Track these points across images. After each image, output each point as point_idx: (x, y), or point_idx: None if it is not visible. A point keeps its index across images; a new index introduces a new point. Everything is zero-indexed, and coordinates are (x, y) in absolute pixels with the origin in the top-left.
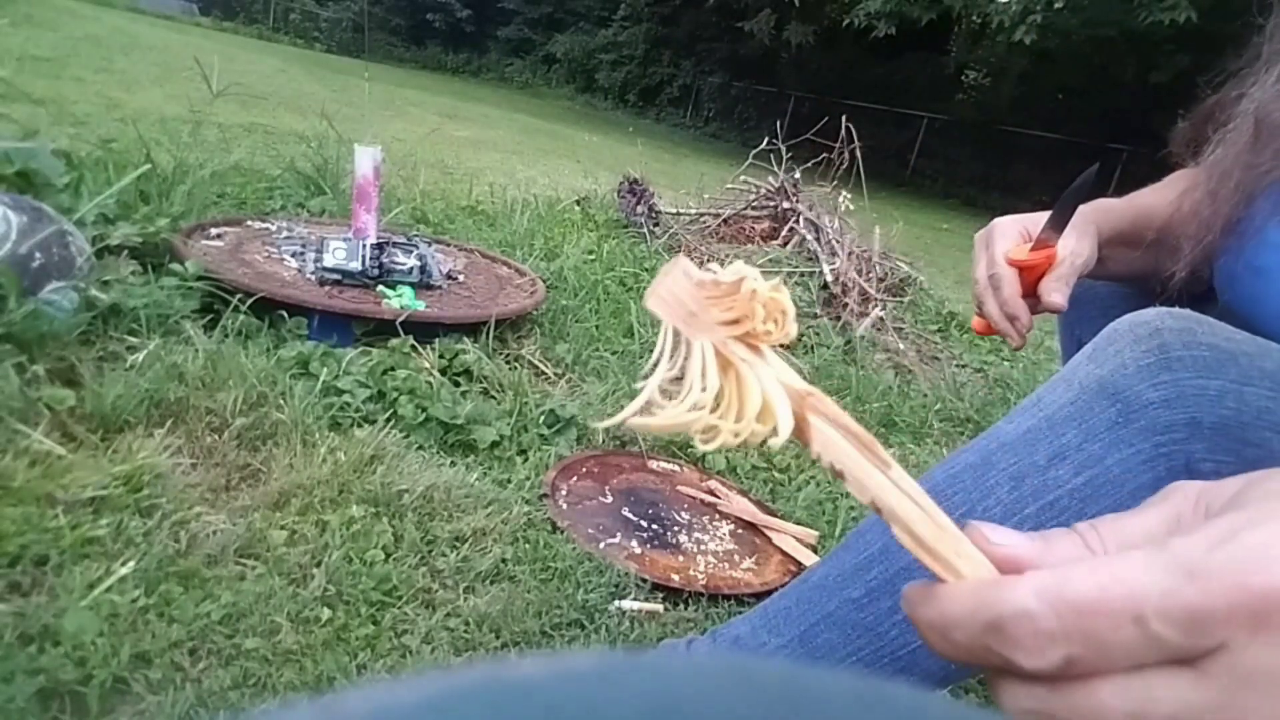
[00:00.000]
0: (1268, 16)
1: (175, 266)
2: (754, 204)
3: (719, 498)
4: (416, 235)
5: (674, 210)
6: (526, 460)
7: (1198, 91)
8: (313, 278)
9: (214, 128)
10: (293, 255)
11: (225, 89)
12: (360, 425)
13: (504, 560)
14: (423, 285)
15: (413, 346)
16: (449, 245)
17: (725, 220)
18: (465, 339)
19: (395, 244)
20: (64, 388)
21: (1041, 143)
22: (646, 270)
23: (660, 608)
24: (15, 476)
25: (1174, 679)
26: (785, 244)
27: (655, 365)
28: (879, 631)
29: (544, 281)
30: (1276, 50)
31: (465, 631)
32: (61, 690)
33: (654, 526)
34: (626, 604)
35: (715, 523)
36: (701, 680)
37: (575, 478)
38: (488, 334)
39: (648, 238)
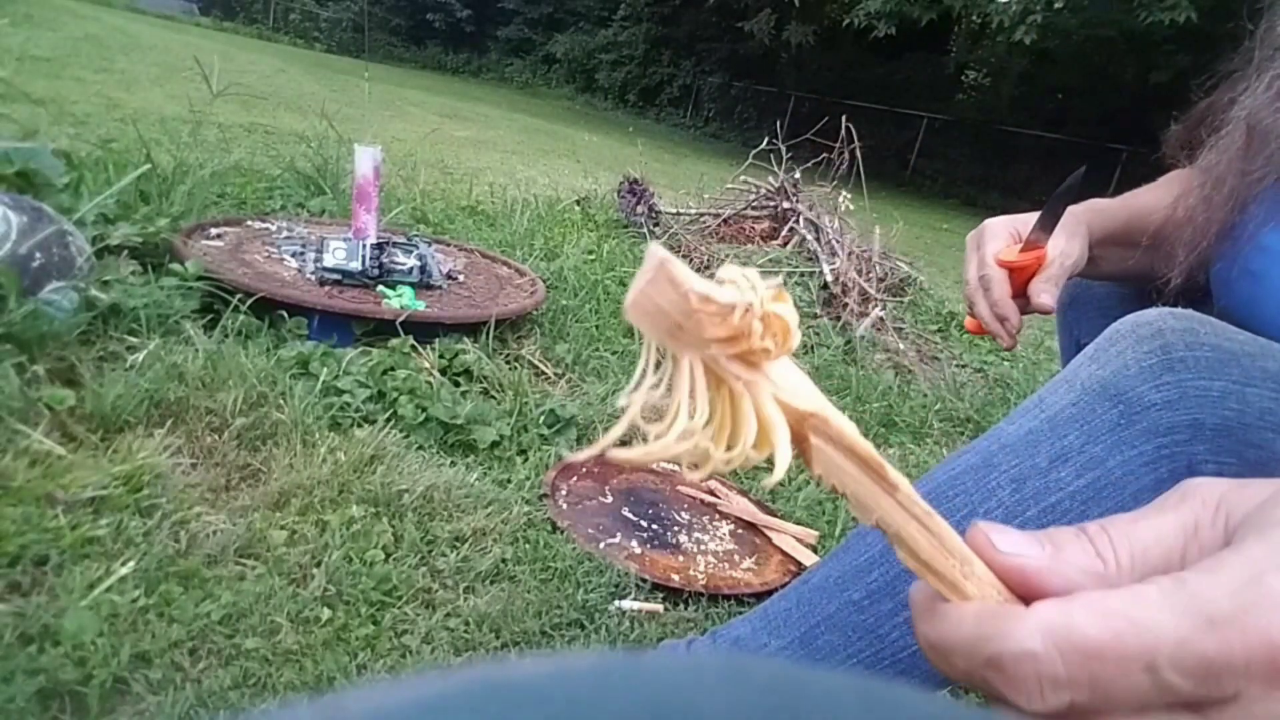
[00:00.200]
0: (1258, 21)
1: (175, 266)
2: (754, 204)
3: (719, 498)
4: (416, 235)
5: (674, 210)
6: (526, 460)
7: (1190, 94)
8: (313, 278)
9: (214, 128)
10: (293, 255)
11: (225, 89)
12: (360, 425)
13: (504, 560)
14: (423, 285)
15: (413, 346)
16: (449, 245)
17: (725, 220)
18: (465, 339)
19: (395, 244)
20: (64, 388)
21: (1041, 143)
22: None
23: (660, 608)
24: (15, 476)
25: None
26: (785, 244)
27: (638, 384)
28: (880, 634)
29: (544, 281)
30: (1267, 56)
31: (465, 631)
32: (61, 690)
33: (654, 526)
34: (626, 604)
35: (715, 523)
36: (702, 680)
37: (575, 478)
38: (488, 334)
39: (648, 238)
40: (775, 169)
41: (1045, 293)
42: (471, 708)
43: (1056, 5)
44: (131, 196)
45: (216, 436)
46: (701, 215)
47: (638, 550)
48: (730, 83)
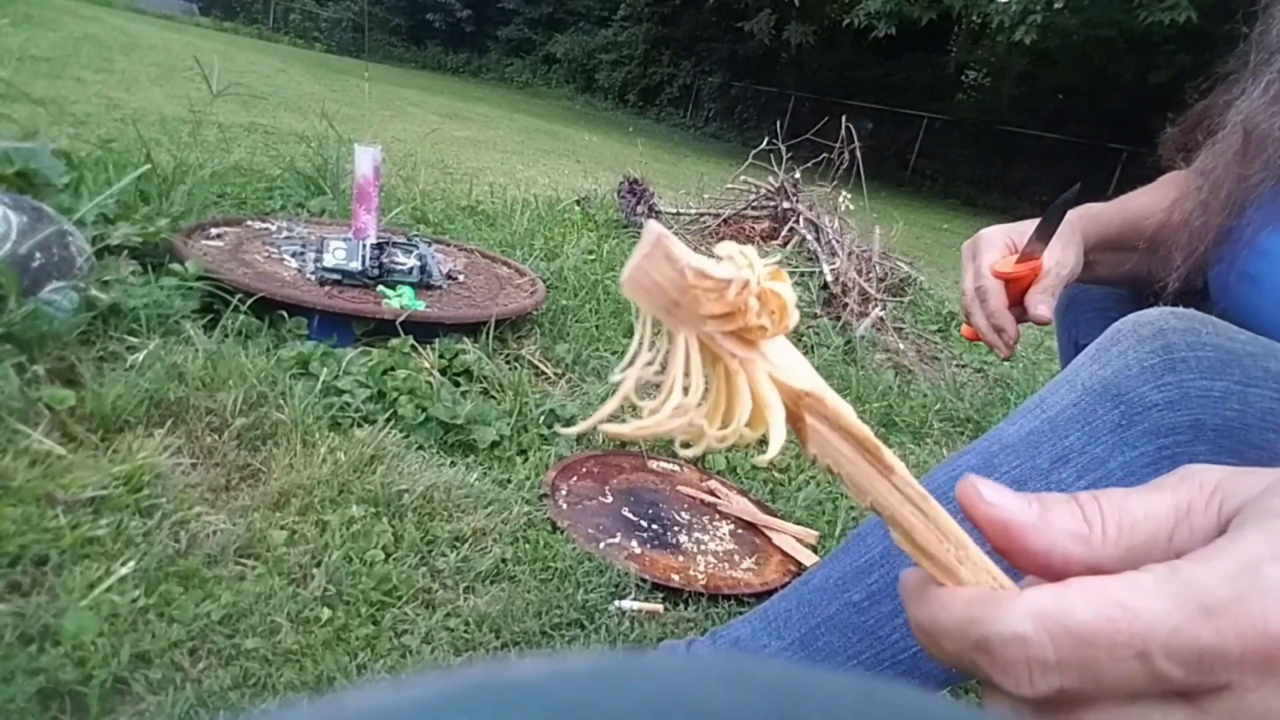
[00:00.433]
0: (1253, 24)
1: (175, 266)
2: (754, 204)
3: (719, 498)
4: (416, 235)
5: (674, 210)
6: (526, 460)
7: (1186, 96)
8: (313, 278)
9: (214, 128)
10: (293, 255)
11: (225, 89)
12: (360, 425)
13: (504, 560)
14: (423, 285)
15: (413, 346)
16: (449, 245)
17: (725, 220)
18: (465, 339)
19: (395, 244)
20: (64, 388)
21: (1041, 143)
22: None
23: (660, 608)
24: (15, 476)
25: (1168, 714)
26: (785, 244)
27: (633, 359)
28: (880, 635)
29: (544, 281)
30: (1263, 59)
31: (465, 631)
32: (61, 690)
33: (654, 526)
34: (626, 604)
35: (715, 523)
36: (702, 681)
37: (575, 478)
38: (488, 334)
39: None
40: (775, 169)
41: (1042, 304)
42: (471, 708)
43: (1056, 5)
44: (131, 196)
45: (216, 436)
46: (701, 215)
47: (638, 550)
48: (730, 83)
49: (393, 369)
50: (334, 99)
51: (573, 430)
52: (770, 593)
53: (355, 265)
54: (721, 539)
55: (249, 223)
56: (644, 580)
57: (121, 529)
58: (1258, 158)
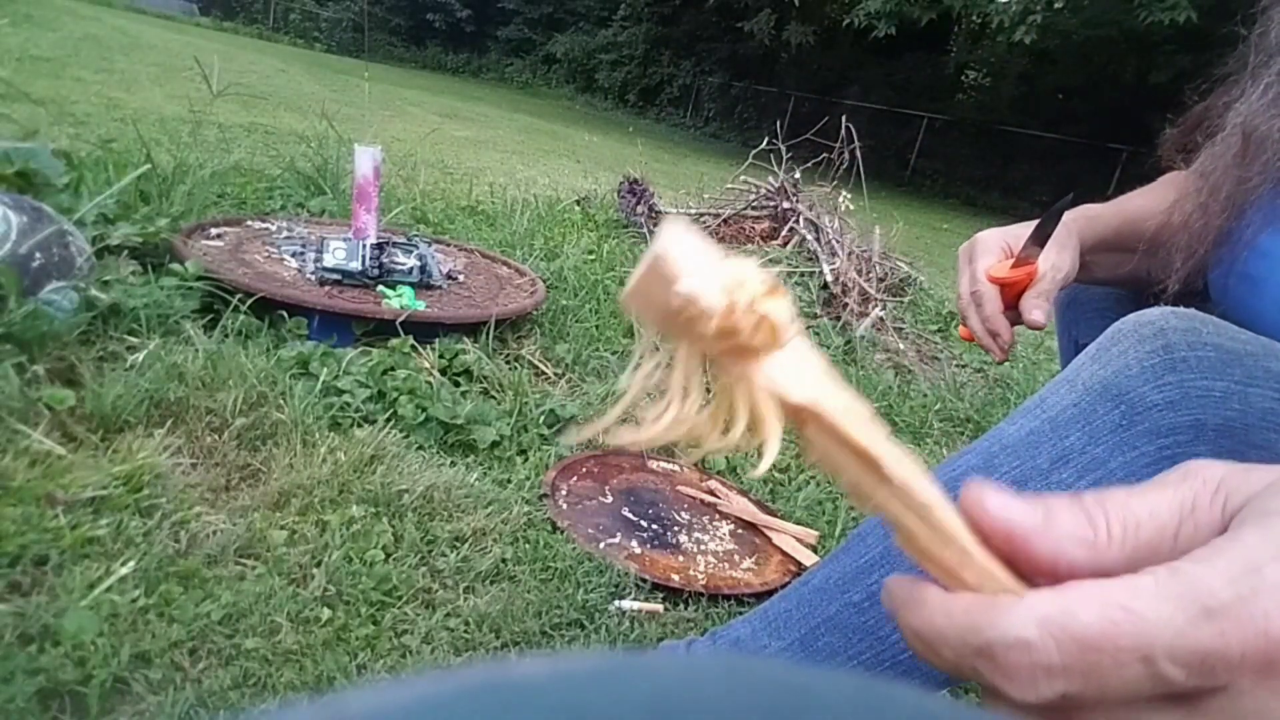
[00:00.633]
0: (1252, 26)
1: (175, 266)
2: (754, 204)
3: (719, 498)
4: (416, 235)
5: (674, 210)
6: (526, 460)
7: (1184, 98)
8: (313, 278)
9: (214, 128)
10: (293, 255)
11: (225, 89)
12: (360, 425)
13: (504, 560)
14: (423, 285)
15: (413, 346)
16: (449, 245)
17: (725, 220)
18: (465, 339)
19: (395, 244)
20: (64, 388)
21: (1041, 143)
22: None
23: (660, 608)
24: (15, 476)
25: (1168, 714)
26: (785, 244)
27: (636, 367)
28: (880, 635)
29: (544, 281)
30: (1262, 61)
31: (465, 631)
32: (61, 690)
33: (654, 526)
34: (626, 604)
35: (715, 523)
36: (702, 681)
37: (575, 478)
38: (488, 334)
39: (648, 238)
40: (775, 169)
41: (1037, 309)
42: (471, 708)
43: (1056, 5)
44: (131, 196)
45: (216, 436)
46: (701, 215)
47: (638, 550)
48: (730, 83)
49: (393, 369)
50: (334, 99)
51: (575, 438)
52: (770, 593)
53: (355, 265)
54: (721, 539)
55: (249, 223)
56: (644, 580)
57: (121, 529)
58: (1257, 160)
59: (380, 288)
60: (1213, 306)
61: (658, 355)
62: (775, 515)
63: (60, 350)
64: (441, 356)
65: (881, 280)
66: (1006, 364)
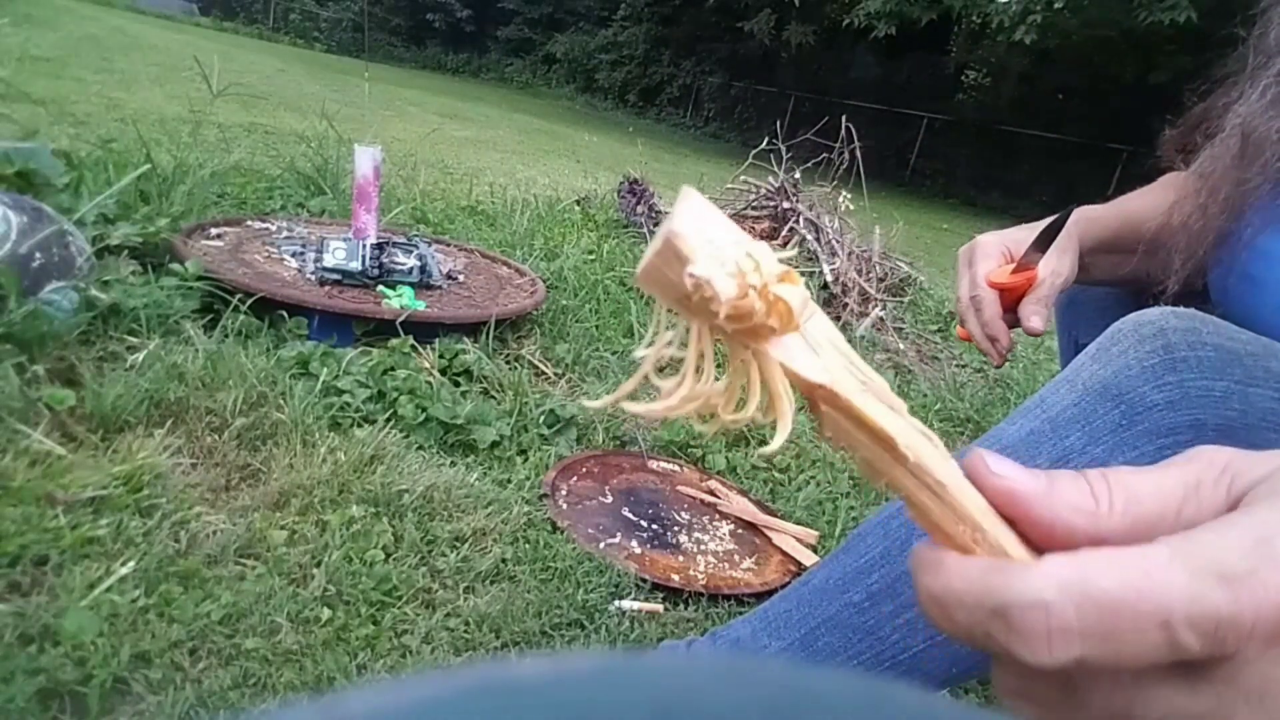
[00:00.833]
0: (1251, 27)
1: (175, 266)
2: (754, 204)
3: (719, 498)
4: (416, 235)
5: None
6: (526, 460)
7: (1184, 98)
8: (313, 278)
9: (214, 128)
10: (293, 255)
11: (225, 89)
12: (360, 425)
13: (504, 560)
14: (423, 285)
15: (413, 346)
16: (449, 245)
17: None
18: (465, 339)
19: (395, 244)
20: (64, 388)
21: (1041, 143)
22: None
23: (660, 608)
24: (15, 476)
25: (1173, 682)
26: (785, 244)
27: (651, 340)
28: (880, 635)
29: (544, 281)
30: (1260, 63)
31: (465, 631)
32: (61, 690)
33: (654, 526)
34: (626, 604)
35: (715, 523)
36: (702, 681)
37: (575, 478)
38: (488, 334)
39: (648, 238)
40: (775, 169)
41: (1035, 315)
42: (471, 708)
43: (1056, 5)
44: (131, 196)
45: (216, 436)
46: None
47: (638, 550)
48: (730, 83)
49: (393, 369)
50: (334, 99)
51: (596, 404)
52: (770, 593)
53: (355, 265)
54: (721, 539)
55: (249, 223)
56: (644, 580)
57: (121, 529)
58: (1255, 161)
59: (380, 288)
60: (1213, 307)
61: (674, 328)
62: (775, 515)
63: (60, 350)
64: (441, 356)
65: (881, 280)
66: (1006, 364)
